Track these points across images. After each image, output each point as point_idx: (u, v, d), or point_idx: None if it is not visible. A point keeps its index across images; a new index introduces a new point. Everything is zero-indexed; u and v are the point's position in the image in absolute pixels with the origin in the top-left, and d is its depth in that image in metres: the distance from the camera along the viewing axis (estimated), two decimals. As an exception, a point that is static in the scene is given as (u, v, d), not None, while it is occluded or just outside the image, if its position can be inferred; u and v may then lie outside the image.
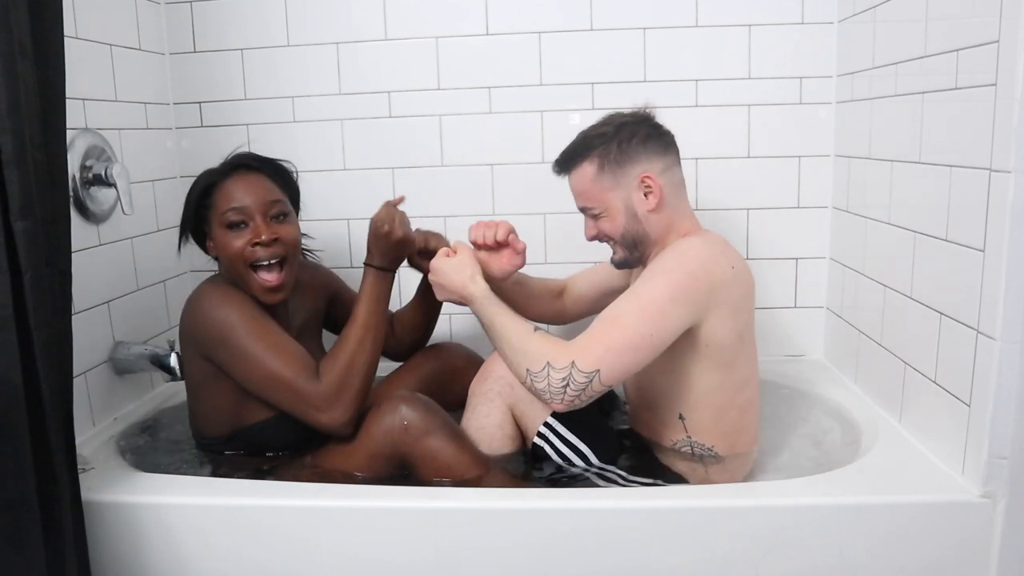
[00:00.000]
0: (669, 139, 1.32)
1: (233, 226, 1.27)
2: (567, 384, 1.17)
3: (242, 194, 1.28)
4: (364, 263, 1.34)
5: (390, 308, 1.43)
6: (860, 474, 1.20)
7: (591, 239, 1.35)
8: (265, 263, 1.27)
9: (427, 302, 1.51)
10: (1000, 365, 1.05)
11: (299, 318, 1.43)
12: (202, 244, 1.36)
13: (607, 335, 1.19)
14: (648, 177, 1.27)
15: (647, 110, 1.33)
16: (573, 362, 1.17)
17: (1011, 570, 1.10)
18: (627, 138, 1.28)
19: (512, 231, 1.37)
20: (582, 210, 1.33)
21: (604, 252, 1.51)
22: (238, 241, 1.27)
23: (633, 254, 1.32)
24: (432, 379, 1.56)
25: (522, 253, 1.38)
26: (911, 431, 1.31)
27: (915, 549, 1.12)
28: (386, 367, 1.65)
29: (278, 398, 1.25)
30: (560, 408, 1.21)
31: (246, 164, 1.33)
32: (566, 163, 1.33)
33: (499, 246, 1.37)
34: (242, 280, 1.28)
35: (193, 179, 1.36)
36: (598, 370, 1.17)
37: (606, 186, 1.28)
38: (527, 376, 1.21)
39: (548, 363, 1.18)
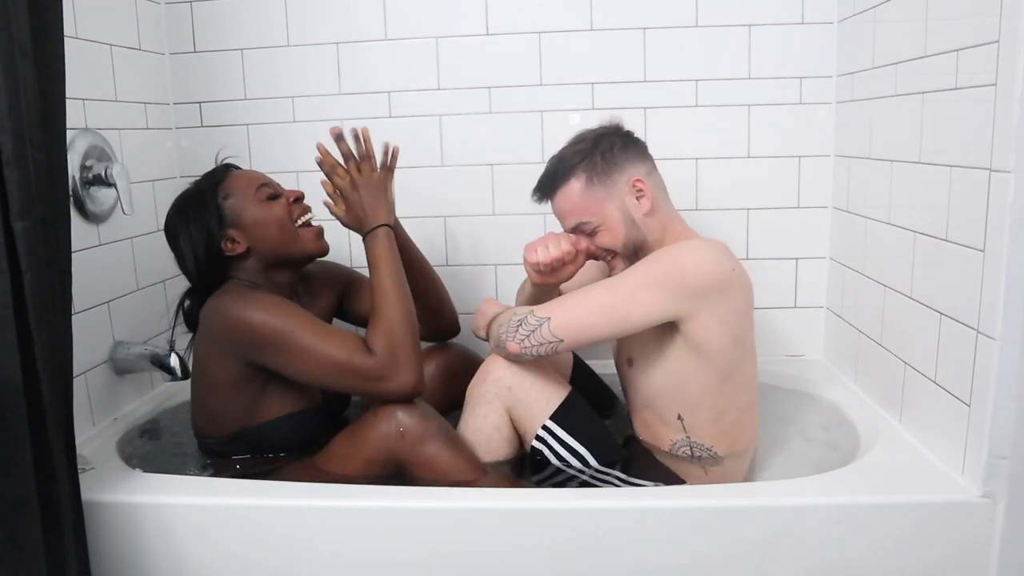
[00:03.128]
0: (643, 145, 1.34)
1: (272, 198, 1.34)
2: (520, 324, 1.25)
3: (258, 175, 1.37)
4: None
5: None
6: (860, 474, 1.20)
7: (592, 257, 1.35)
8: (304, 220, 1.36)
9: (408, 258, 1.45)
10: (1000, 365, 1.05)
11: (311, 312, 1.43)
12: (217, 251, 1.32)
13: (571, 296, 1.27)
14: (638, 180, 1.29)
15: (614, 121, 1.34)
16: (532, 310, 1.26)
17: (1011, 570, 1.10)
18: (608, 148, 1.29)
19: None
20: (575, 229, 1.33)
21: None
22: (279, 208, 1.33)
23: (634, 259, 1.31)
24: (432, 380, 1.55)
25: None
26: (911, 431, 1.31)
27: (915, 549, 1.12)
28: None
29: (341, 383, 1.24)
30: (513, 348, 1.26)
31: (234, 166, 1.41)
32: (548, 186, 1.32)
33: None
34: (294, 241, 1.34)
35: (191, 180, 1.37)
36: (549, 317, 1.23)
37: (599, 197, 1.29)
38: (496, 325, 1.29)
39: (514, 312, 1.29)
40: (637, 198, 1.29)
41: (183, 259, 1.35)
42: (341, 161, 1.31)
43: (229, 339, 1.25)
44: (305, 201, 1.39)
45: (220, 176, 1.36)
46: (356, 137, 1.31)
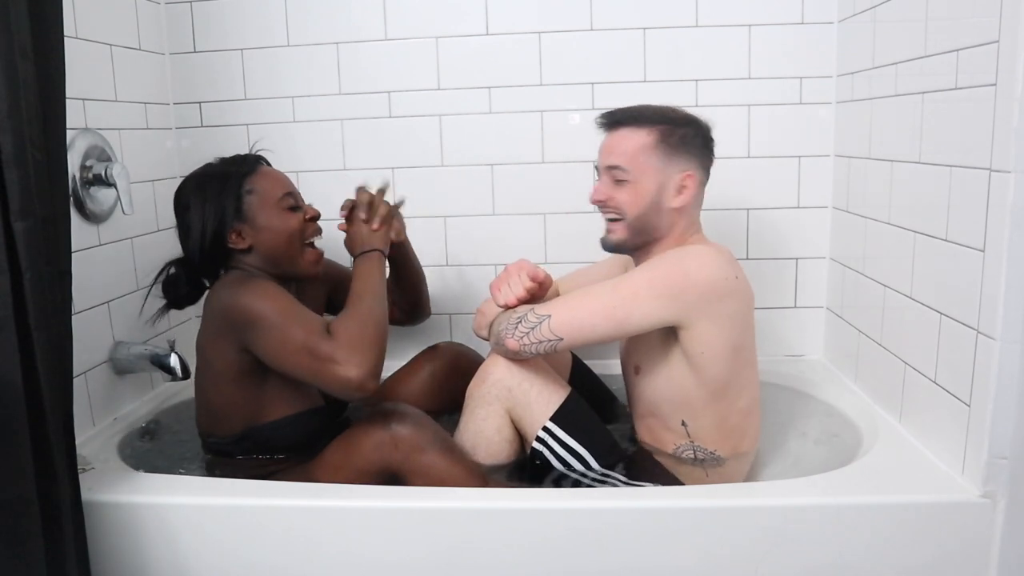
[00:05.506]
0: (712, 160, 1.33)
1: (292, 208, 1.35)
2: (520, 321, 1.25)
3: (287, 181, 1.39)
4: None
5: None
6: (860, 474, 1.20)
7: (598, 201, 1.31)
8: (311, 240, 1.39)
9: (401, 266, 1.56)
10: (1000, 365, 1.05)
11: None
12: (222, 239, 1.32)
13: (574, 295, 1.26)
14: (690, 176, 1.27)
15: (710, 122, 1.32)
16: (533, 308, 1.26)
17: (1011, 570, 1.10)
18: (692, 134, 1.28)
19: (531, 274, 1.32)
20: (609, 168, 1.29)
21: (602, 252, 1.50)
22: (295, 221, 1.35)
23: (635, 240, 1.30)
24: (433, 379, 1.56)
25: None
26: (911, 431, 1.31)
27: (915, 549, 1.12)
28: (389, 367, 1.65)
29: (297, 362, 1.21)
30: (512, 345, 1.25)
31: (265, 160, 1.42)
32: (621, 118, 1.29)
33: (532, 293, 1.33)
34: (295, 257, 1.35)
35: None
36: (549, 315, 1.23)
37: (652, 163, 1.26)
38: (496, 323, 1.28)
39: (514, 309, 1.28)
40: (677, 190, 1.27)
41: (187, 233, 1.34)
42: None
43: (224, 322, 1.26)
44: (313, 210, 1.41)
45: (250, 167, 1.36)
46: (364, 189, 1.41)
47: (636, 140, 1.27)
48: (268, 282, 1.29)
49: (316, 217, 1.39)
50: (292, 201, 1.36)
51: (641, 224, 1.28)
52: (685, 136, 1.27)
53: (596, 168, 1.34)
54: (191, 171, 1.39)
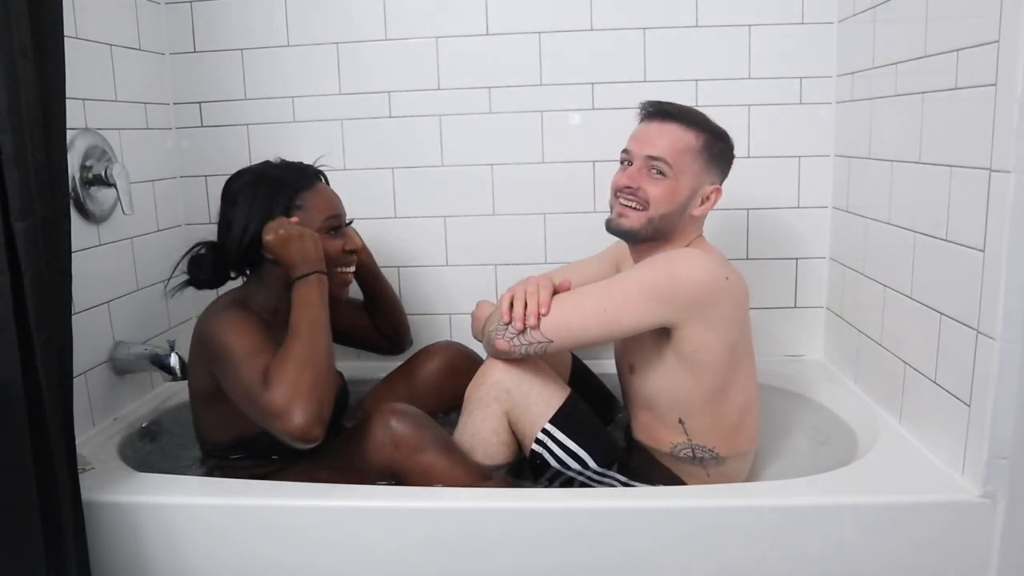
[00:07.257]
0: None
1: (333, 231, 1.34)
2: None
3: (337, 203, 1.38)
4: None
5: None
6: (860, 474, 1.20)
7: (627, 187, 1.27)
8: (342, 270, 1.37)
9: (369, 286, 1.57)
10: (1000, 365, 1.05)
11: None
12: (260, 243, 1.27)
13: (564, 297, 1.25)
14: (718, 191, 1.30)
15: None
16: None
17: (1011, 570, 1.10)
18: (727, 151, 1.31)
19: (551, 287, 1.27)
20: (650, 159, 1.25)
21: (601, 248, 1.50)
22: (332, 247, 1.33)
23: (645, 234, 1.28)
24: (432, 378, 1.56)
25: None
26: (911, 431, 1.31)
27: (915, 549, 1.12)
28: (388, 367, 1.66)
29: (245, 408, 1.19)
30: (501, 346, 1.24)
31: (324, 176, 1.41)
32: (675, 114, 1.28)
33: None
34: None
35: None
36: None
37: (694, 167, 1.27)
38: (487, 321, 1.29)
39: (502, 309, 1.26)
40: (703, 200, 1.29)
41: (228, 227, 1.30)
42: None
43: (201, 347, 1.26)
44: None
45: (307, 181, 1.34)
46: None
47: (685, 139, 1.27)
48: (243, 316, 1.25)
49: (355, 250, 1.38)
50: (336, 223, 1.35)
51: (661, 222, 1.28)
52: (724, 151, 1.30)
53: (625, 153, 1.30)
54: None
